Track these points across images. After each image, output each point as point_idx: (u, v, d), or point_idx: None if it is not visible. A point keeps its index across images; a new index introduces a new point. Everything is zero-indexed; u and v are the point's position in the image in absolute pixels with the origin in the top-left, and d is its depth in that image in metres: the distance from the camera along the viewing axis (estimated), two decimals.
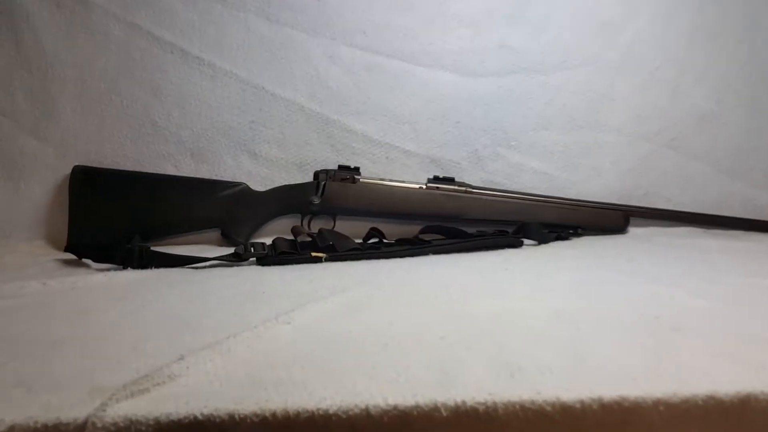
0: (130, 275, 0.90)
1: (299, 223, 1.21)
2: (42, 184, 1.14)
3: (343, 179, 1.19)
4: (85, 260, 0.99)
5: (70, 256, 1.00)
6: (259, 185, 1.21)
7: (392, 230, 1.13)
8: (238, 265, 0.99)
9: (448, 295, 0.75)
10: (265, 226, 1.20)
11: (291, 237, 1.07)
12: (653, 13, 1.27)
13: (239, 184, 1.19)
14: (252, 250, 1.00)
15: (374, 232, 1.08)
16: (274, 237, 1.06)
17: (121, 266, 0.94)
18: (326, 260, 1.00)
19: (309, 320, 0.63)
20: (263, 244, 1.02)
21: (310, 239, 1.04)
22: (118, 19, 1.15)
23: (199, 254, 1.05)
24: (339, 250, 1.01)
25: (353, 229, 1.14)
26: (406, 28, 1.22)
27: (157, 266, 0.94)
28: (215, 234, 1.19)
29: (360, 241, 1.09)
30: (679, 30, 1.28)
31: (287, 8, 1.19)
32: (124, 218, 1.12)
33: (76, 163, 1.14)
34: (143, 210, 1.13)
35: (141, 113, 1.17)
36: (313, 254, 1.00)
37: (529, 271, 0.92)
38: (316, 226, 1.19)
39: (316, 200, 1.17)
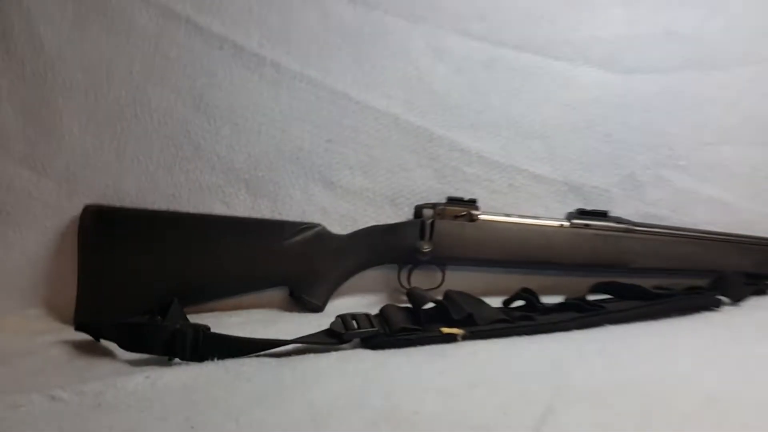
0: (185, 374, 0.57)
1: (396, 276, 0.87)
2: (39, 232, 0.82)
3: (456, 216, 0.86)
4: (105, 342, 0.65)
5: (83, 335, 0.66)
6: (338, 227, 0.88)
7: (513, 284, 0.79)
8: (336, 349, 0.65)
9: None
10: (347, 282, 0.87)
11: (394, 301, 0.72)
12: None
13: (313, 225, 0.86)
14: (356, 326, 0.66)
15: (526, 294, 0.74)
16: (383, 304, 0.72)
17: (166, 356, 0.61)
18: (463, 338, 0.66)
19: None
20: (367, 316, 0.68)
21: (433, 305, 0.70)
22: (147, 4, 0.84)
23: (264, 328, 0.74)
24: (480, 323, 0.68)
25: (467, 283, 0.80)
26: (540, 10, 0.90)
27: (221, 355, 0.60)
28: (279, 295, 0.86)
29: (499, 305, 0.75)
30: None
31: None
32: (154, 276, 0.79)
33: (88, 202, 0.82)
34: (181, 264, 0.80)
35: (178, 131, 0.85)
36: (445, 330, 0.66)
37: None
38: (416, 280, 0.86)
39: (426, 247, 0.83)
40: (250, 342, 0.63)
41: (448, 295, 0.71)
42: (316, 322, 0.68)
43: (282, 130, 0.87)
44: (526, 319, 0.70)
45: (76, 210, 0.81)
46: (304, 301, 0.84)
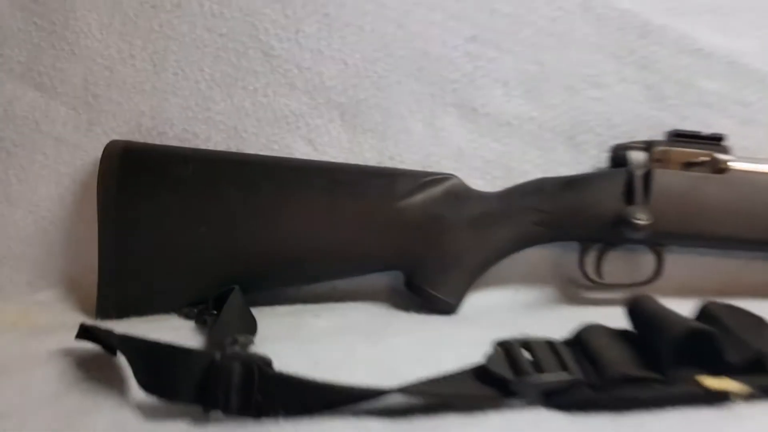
0: None
1: (576, 260, 0.54)
2: (51, 180, 0.56)
3: (689, 164, 0.50)
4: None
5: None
6: (482, 179, 0.56)
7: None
8: (496, 408, 0.33)
9: None
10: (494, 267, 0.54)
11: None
12: None
13: (443, 177, 0.54)
14: (533, 366, 0.34)
15: None
16: (584, 324, 0.38)
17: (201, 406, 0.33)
18: (745, 399, 0.32)
19: None
20: (551, 345, 0.36)
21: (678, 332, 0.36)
22: None
23: (368, 343, 0.46)
24: None
25: (695, 275, 0.45)
26: None
27: (289, 409, 0.32)
28: (389, 282, 0.56)
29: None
30: None
31: None
32: (207, 249, 0.52)
33: (113, 136, 0.55)
34: (245, 232, 0.52)
35: (240, 30, 0.55)
36: (708, 384, 0.33)
37: None
38: (610, 267, 0.52)
39: (640, 216, 0.48)
40: (341, 391, 0.33)
41: (709, 311, 0.37)
42: (451, 334, 0.46)
43: (397, 24, 0.55)
44: None
45: (97, 147, 0.55)
46: (426, 296, 0.53)
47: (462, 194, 0.53)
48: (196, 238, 0.51)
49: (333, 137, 0.57)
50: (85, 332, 0.41)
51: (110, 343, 0.40)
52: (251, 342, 0.41)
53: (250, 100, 0.56)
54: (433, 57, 0.55)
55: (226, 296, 0.48)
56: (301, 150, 0.57)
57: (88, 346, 0.41)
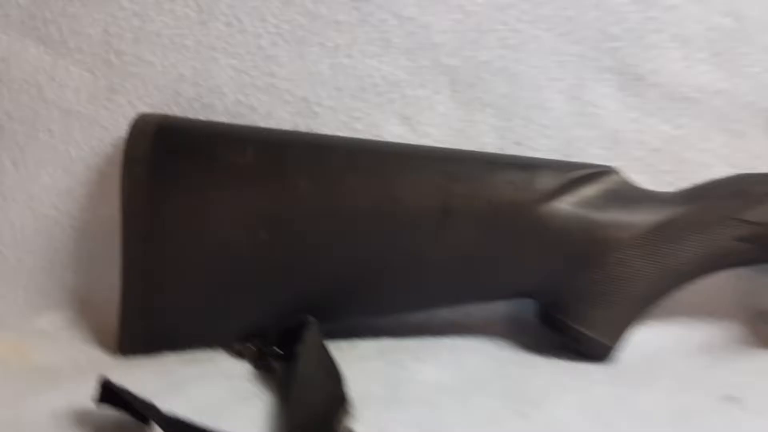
0: None
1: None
2: (59, 166, 0.41)
3: None
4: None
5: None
6: (648, 174, 0.40)
7: None
8: None
9: None
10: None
11: None
12: None
13: (600, 170, 0.38)
14: None
15: None
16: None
17: None
18: None
19: None
20: None
21: None
22: None
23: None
24: None
25: None
26: None
27: None
28: (498, 311, 0.42)
29: None
30: None
31: None
32: (272, 261, 0.37)
33: (143, 109, 0.40)
34: (321, 238, 0.37)
35: None
36: None
37: None
38: None
39: None
40: None
41: None
42: (629, 399, 0.33)
43: None
44: None
45: (120, 123, 0.40)
46: (573, 334, 0.38)
47: (628, 195, 0.38)
48: (253, 246, 0.37)
49: (439, 114, 0.42)
50: (108, 394, 0.27)
51: (146, 415, 0.26)
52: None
53: (327, 62, 0.41)
54: (586, 3, 0.40)
55: (297, 331, 0.34)
56: (393, 131, 0.42)
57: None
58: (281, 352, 0.36)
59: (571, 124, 0.41)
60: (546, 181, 0.37)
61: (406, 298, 0.39)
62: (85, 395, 0.29)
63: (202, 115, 0.41)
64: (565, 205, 0.37)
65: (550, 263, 0.37)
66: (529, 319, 0.41)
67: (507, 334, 0.41)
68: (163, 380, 0.33)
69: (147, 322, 0.38)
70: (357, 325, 0.40)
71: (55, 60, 0.41)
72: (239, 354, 0.37)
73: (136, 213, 0.37)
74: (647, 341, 0.40)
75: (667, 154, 0.41)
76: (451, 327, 0.42)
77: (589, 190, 0.38)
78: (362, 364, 0.36)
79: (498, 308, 0.42)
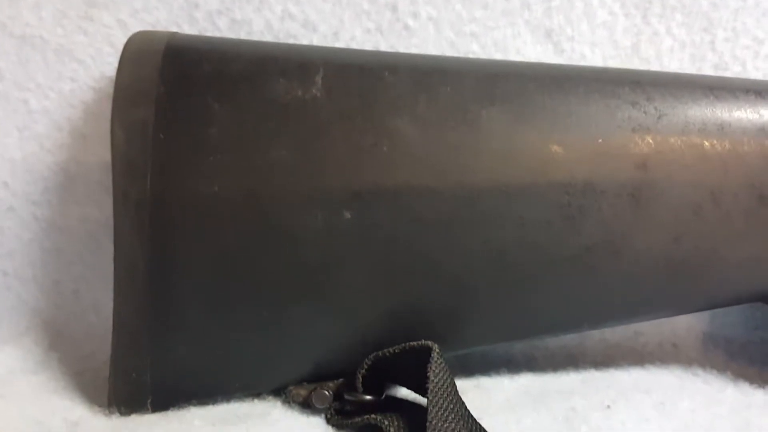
0: None
1: None
2: (6, 117, 0.26)
3: None
4: None
5: None
6: None
7: None
8: None
9: None
10: None
11: None
12: None
13: None
14: None
15: None
16: None
17: None
18: None
19: None
20: None
21: None
22: None
23: None
24: None
25: None
26: None
27: None
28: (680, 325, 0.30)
29: None
30: None
31: None
32: (354, 261, 0.23)
33: (139, 28, 0.25)
34: (437, 226, 0.23)
35: None
36: None
37: None
38: None
39: None
40: None
41: None
42: None
43: None
44: None
45: (105, 53, 0.26)
46: None
47: None
48: (329, 233, 0.23)
49: (599, 24, 0.27)
50: None
51: None
52: None
53: None
54: None
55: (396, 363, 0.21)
56: (528, 51, 0.27)
57: None
58: (368, 398, 0.21)
59: None
60: None
61: (566, 310, 0.24)
62: None
63: (229, 33, 0.27)
64: None
65: None
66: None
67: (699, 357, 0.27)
68: None
69: (157, 360, 0.23)
70: (489, 354, 0.26)
71: None
72: (294, 400, 0.24)
73: (135, 190, 0.22)
74: None
75: None
76: (617, 351, 0.28)
77: None
78: (516, 415, 0.22)
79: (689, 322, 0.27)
